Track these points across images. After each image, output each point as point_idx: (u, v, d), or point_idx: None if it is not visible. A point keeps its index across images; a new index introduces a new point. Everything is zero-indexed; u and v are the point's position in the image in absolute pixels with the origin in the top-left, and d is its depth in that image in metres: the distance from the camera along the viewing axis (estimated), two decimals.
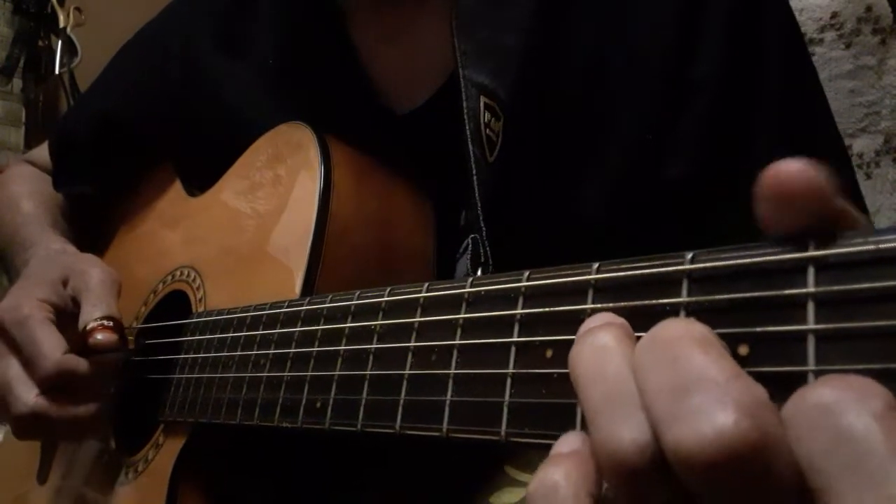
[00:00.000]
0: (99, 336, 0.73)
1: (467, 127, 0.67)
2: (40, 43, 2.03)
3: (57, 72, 1.95)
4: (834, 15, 1.11)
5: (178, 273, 0.84)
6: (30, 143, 2.01)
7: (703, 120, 0.68)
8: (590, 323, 0.33)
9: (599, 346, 0.31)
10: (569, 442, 0.31)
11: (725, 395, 0.25)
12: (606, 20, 0.72)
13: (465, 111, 0.67)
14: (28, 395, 0.73)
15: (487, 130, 0.67)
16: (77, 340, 0.75)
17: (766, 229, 0.29)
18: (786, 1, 0.73)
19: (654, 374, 0.28)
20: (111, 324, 0.75)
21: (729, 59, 0.68)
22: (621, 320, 0.33)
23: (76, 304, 0.78)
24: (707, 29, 0.69)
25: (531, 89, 0.70)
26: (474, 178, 0.66)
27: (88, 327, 0.74)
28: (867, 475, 0.23)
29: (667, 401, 0.26)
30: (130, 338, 0.83)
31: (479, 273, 0.65)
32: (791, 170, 0.28)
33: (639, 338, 0.30)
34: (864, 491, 0.23)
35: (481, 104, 0.68)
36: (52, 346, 0.73)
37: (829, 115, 0.72)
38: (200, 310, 0.76)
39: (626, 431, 0.28)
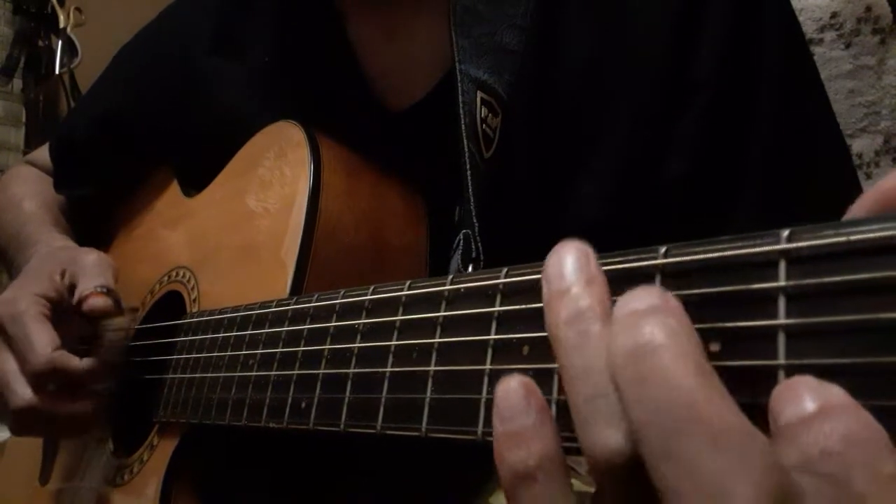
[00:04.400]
0: (92, 300, 0.74)
1: (463, 122, 0.66)
2: (40, 43, 2.04)
3: (57, 72, 1.96)
4: (834, 15, 1.11)
5: (174, 274, 0.84)
6: (30, 143, 2.01)
7: (702, 119, 0.68)
8: (560, 277, 0.31)
9: (581, 333, 0.29)
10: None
11: (727, 445, 0.23)
12: (605, 18, 0.71)
13: (461, 106, 0.67)
14: (25, 390, 0.74)
15: (484, 126, 0.67)
16: (71, 336, 0.75)
17: None
18: (786, 0, 0.73)
19: (639, 403, 0.26)
20: (105, 290, 0.75)
21: (729, 58, 0.68)
22: (593, 270, 0.30)
23: (73, 292, 0.79)
24: (707, 28, 0.68)
25: (529, 87, 0.70)
26: (468, 173, 0.66)
27: (83, 294, 0.75)
28: None
29: (658, 438, 0.25)
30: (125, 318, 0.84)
31: (469, 269, 0.64)
32: None
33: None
34: None
35: (478, 99, 0.67)
36: (43, 342, 0.73)
37: (830, 115, 0.72)
38: (194, 310, 0.76)
39: (612, 439, 0.27)
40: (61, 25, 1.96)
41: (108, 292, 0.76)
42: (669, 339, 0.26)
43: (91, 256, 0.81)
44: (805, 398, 0.24)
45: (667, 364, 0.25)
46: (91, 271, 0.79)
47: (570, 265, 0.31)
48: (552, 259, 0.32)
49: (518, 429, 0.29)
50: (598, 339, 0.29)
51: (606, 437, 0.27)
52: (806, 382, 0.24)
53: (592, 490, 0.30)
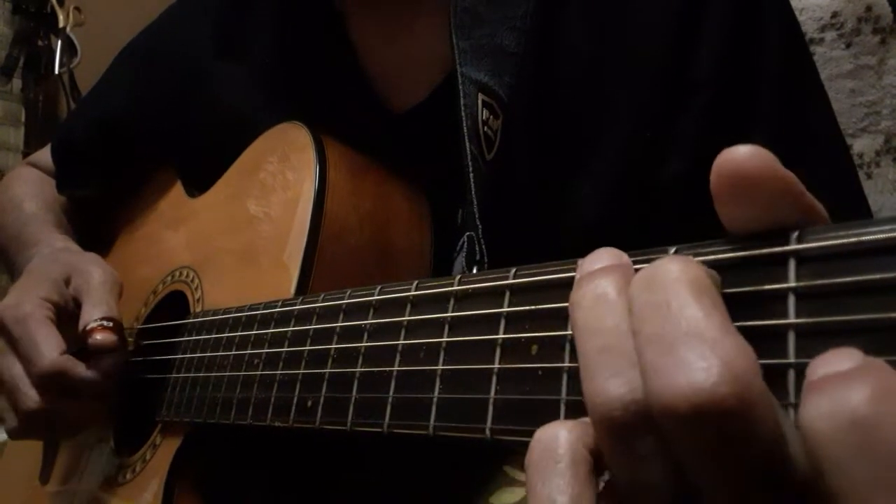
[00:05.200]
0: (98, 336, 0.74)
1: (464, 124, 0.67)
2: (40, 43, 2.04)
3: (57, 72, 1.96)
4: (834, 15, 1.11)
5: (178, 273, 0.84)
6: (29, 143, 2.02)
7: (702, 119, 0.68)
8: (592, 263, 0.33)
9: (599, 296, 0.31)
10: None
11: (712, 354, 0.25)
12: (604, 19, 0.71)
13: (463, 108, 0.67)
14: (33, 392, 0.74)
15: (485, 128, 0.67)
16: (76, 340, 0.75)
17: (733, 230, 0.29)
18: (786, 0, 0.73)
19: (647, 323, 0.28)
20: (111, 324, 0.75)
21: (729, 59, 0.68)
22: (625, 260, 0.32)
23: (77, 303, 0.79)
24: (707, 28, 0.68)
25: (530, 88, 0.70)
26: (471, 175, 0.66)
27: (88, 328, 0.75)
28: None
29: (655, 351, 0.27)
30: (130, 339, 0.83)
31: (473, 271, 0.64)
32: (741, 155, 0.27)
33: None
34: None
35: (479, 101, 0.67)
36: (49, 346, 0.74)
37: (830, 115, 0.72)
38: (198, 310, 0.76)
39: (613, 386, 0.28)
40: (61, 25, 1.95)
41: (113, 325, 0.76)
42: (683, 266, 0.28)
43: (97, 272, 0.81)
44: (845, 358, 0.24)
45: (679, 285, 0.28)
46: (97, 291, 0.78)
47: (601, 254, 0.33)
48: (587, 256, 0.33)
49: None
50: (615, 297, 0.30)
51: (609, 384, 0.28)
52: (848, 349, 0.25)
53: None
